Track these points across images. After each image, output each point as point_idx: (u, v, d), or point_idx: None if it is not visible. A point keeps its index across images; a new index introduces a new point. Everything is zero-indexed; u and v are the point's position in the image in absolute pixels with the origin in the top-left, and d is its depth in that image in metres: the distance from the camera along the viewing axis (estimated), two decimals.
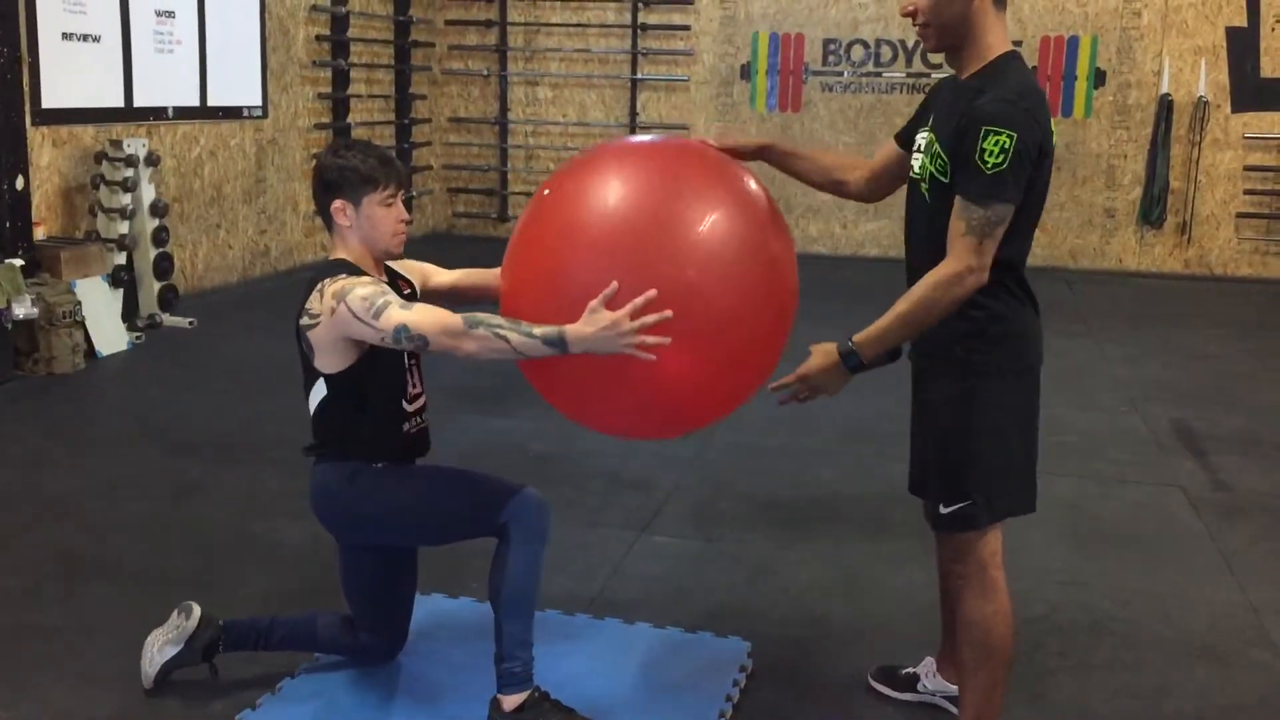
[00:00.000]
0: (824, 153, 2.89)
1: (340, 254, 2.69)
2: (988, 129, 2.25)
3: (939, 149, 2.38)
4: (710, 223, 2.40)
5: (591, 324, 2.31)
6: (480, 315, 2.44)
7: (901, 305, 2.36)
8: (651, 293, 2.30)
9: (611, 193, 2.46)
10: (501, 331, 2.39)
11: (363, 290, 2.51)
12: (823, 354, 2.43)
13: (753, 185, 2.56)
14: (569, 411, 2.61)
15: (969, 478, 2.43)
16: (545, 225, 2.51)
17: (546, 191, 2.57)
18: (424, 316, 2.46)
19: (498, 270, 2.78)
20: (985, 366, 2.41)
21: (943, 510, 2.48)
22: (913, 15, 2.41)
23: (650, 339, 2.30)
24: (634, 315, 2.30)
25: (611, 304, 2.31)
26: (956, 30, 2.38)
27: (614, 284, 2.31)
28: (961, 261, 2.29)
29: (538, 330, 2.37)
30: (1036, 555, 3.76)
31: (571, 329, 2.33)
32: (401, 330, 2.45)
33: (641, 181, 2.48)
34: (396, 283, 2.77)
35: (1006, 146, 2.23)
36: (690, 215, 2.40)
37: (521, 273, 2.54)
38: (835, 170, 2.80)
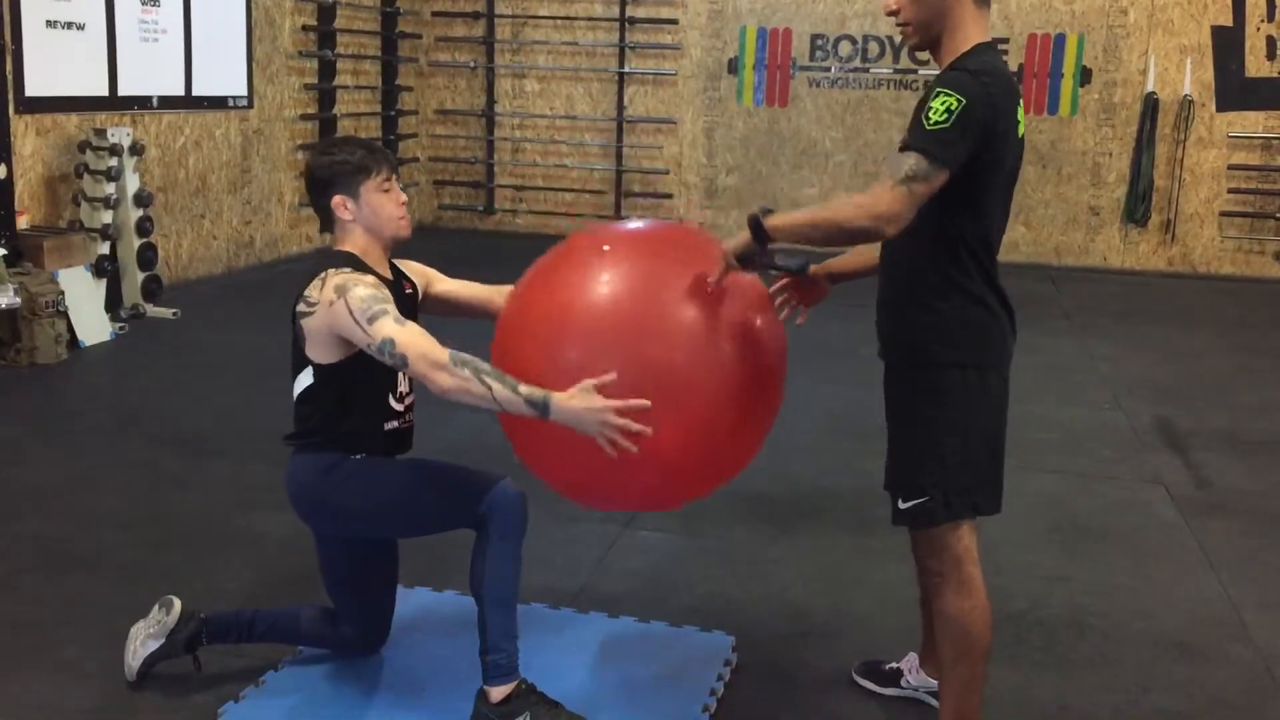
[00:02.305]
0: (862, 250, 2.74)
1: (346, 248, 2.69)
2: (938, 90, 2.26)
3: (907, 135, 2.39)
4: (716, 322, 2.44)
5: (582, 400, 2.31)
6: (468, 357, 2.43)
7: (818, 210, 2.36)
8: (645, 403, 2.32)
9: (631, 283, 2.49)
10: (486, 379, 2.38)
11: (364, 291, 2.50)
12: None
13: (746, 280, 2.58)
14: (534, 465, 2.63)
15: (926, 473, 2.43)
16: (565, 289, 2.52)
17: (606, 248, 2.58)
18: (413, 339, 2.44)
19: (499, 289, 2.83)
20: (946, 362, 2.41)
21: (900, 505, 2.48)
22: (894, 13, 2.42)
23: (621, 441, 2.31)
24: (622, 412, 2.31)
25: (604, 392, 2.33)
26: (934, 26, 2.38)
27: (613, 374, 2.32)
28: (878, 196, 2.24)
29: (523, 388, 2.36)
30: (1019, 550, 3.78)
31: (559, 398, 2.33)
32: (387, 344, 2.44)
33: (656, 283, 2.49)
34: (401, 282, 2.77)
35: (953, 108, 2.23)
36: (700, 317, 2.44)
37: (522, 322, 2.55)
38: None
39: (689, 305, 2.44)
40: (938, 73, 2.42)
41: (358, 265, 2.62)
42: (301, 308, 2.59)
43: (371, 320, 2.46)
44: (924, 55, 2.46)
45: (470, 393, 2.37)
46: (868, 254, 2.67)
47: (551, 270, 2.59)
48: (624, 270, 2.53)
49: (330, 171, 2.66)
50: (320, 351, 2.61)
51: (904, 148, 2.27)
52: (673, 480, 2.56)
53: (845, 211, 2.29)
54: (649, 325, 2.43)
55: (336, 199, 2.66)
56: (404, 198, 2.73)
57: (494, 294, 2.87)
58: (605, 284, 2.50)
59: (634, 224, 2.93)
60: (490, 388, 2.37)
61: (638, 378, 2.35)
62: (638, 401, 2.32)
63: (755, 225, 2.36)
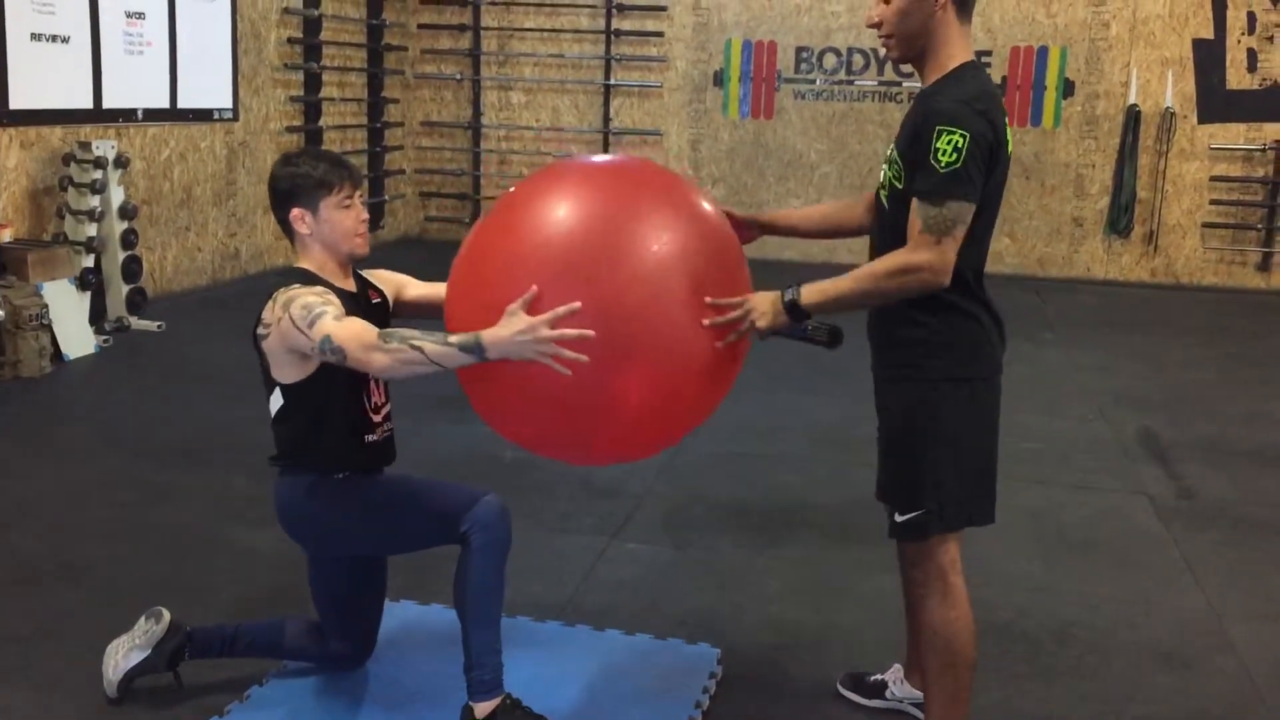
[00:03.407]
0: (815, 208, 2.90)
1: (302, 263, 2.67)
2: (940, 128, 2.26)
3: (895, 155, 2.41)
4: (661, 247, 2.34)
5: (509, 327, 2.25)
6: (398, 329, 2.39)
7: (858, 275, 2.37)
8: (576, 305, 2.24)
9: (561, 216, 2.37)
10: (416, 342, 2.34)
11: (306, 298, 2.49)
12: (765, 293, 2.44)
13: (706, 207, 2.54)
14: (495, 421, 2.53)
15: (922, 486, 2.44)
16: (492, 243, 2.45)
17: (510, 189, 2.54)
18: (346, 329, 2.41)
19: None
20: (939, 375, 2.42)
21: (897, 518, 2.50)
22: (877, 26, 2.44)
23: (567, 352, 2.23)
24: (554, 325, 2.24)
25: (535, 313, 2.26)
26: (917, 41, 2.40)
27: (534, 288, 2.26)
28: (919, 254, 2.29)
29: (454, 338, 2.31)
30: (1004, 562, 3.79)
31: (488, 333, 2.27)
32: (325, 341, 2.42)
33: (593, 204, 2.41)
34: (367, 292, 2.75)
35: (960, 145, 2.25)
36: (640, 240, 2.35)
37: (464, 291, 2.46)
38: (833, 216, 2.82)
39: (656, 245, 2.33)
40: (921, 87, 2.44)
41: (308, 280, 2.60)
42: (260, 330, 2.58)
43: (312, 323, 2.44)
44: (908, 68, 2.48)
45: (408, 362, 2.34)
46: (813, 216, 2.84)
47: (517, 202, 2.48)
48: (593, 204, 2.41)
49: (291, 184, 2.64)
50: (284, 371, 2.60)
51: (927, 194, 2.27)
52: (637, 427, 2.43)
53: (900, 279, 2.31)
54: (611, 260, 2.31)
55: (295, 212, 2.63)
56: (365, 215, 2.69)
57: None
58: (570, 215, 2.38)
59: (614, 161, 2.88)
60: (423, 349, 2.32)
61: (597, 316, 2.24)
62: (566, 307, 2.23)
63: (793, 309, 2.38)
